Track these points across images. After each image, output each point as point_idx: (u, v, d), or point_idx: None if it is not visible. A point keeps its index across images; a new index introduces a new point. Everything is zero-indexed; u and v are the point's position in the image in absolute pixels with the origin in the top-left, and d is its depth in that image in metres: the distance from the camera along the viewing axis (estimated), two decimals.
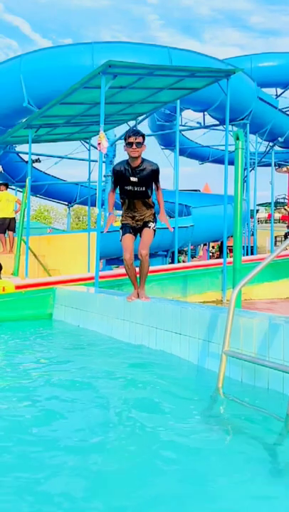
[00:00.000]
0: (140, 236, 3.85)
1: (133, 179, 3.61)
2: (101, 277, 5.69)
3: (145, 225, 3.82)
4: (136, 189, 3.64)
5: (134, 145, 3.51)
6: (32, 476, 1.55)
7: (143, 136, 3.58)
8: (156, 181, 3.70)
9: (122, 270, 6.14)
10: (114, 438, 1.89)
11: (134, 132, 3.56)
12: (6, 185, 9.82)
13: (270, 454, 1.78)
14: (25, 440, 1.87)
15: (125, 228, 3.85)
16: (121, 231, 3.87)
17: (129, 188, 3.65)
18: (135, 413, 2.17)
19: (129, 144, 3.53)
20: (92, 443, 1.84)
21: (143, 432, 1.94)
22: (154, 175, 3.63)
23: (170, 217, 13.35)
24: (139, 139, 3.52)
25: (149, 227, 3.81)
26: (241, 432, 2.00)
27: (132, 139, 3.51)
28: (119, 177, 3.65)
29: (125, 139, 3.55)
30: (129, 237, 3.82)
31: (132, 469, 1.63)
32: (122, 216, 3.89)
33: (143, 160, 3.64)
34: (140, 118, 9.41)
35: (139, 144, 3.53)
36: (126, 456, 1.74)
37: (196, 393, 2.55)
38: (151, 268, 7.44)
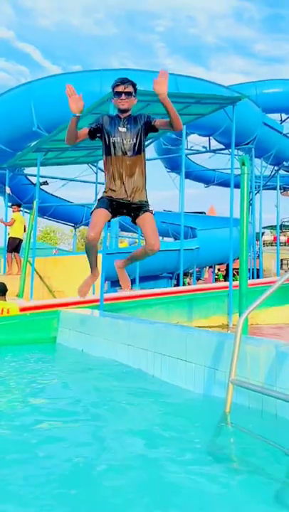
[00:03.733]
0: (140, 225, 3.07)
1: (122, 129, 3.00)
2: (106, 300, 5.66)
3: (142, 209, 3.04)
4: (125, 141, 2.98)
5: (122, 95, 2.96)
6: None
7: (133, 85, 2.99)
8: (152, 122, 3.01)
9: (127, 293, 6.11)
10: (111, 468, 1.83)
11: (123, 80, 2.98)
12: (19, 206, 10.01)
13: (276, 489, 1.71)
14: (17, 465, 1.81)
15: (103, 201, 3.03)
16: (96, 203, 3.08)
17: (118, 139, 2.98)
18: (136, 442, 2.11)
19: (117, 94, 2.98)
20: (89, 473, 1.78)
21: (143, 463, 1.88)
22: (146, 121, 3.01)
23: (175, 239, 13.41)
24: (129, 89, 2.96)
25: (151, 211, 3.06)
26: (247, 466, 1.92)
27: (120, 88, 2.96)
28: (106, 123, 3.02)
29: (113, 89, 3.01)
30: (102, 213, 3.00)
31: (131, 501, 1.57)
32: (105, 189, 3.08)
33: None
34: (147, 142, 9.57)
35: (129, 95, 2.97)
36: (124, 486, 1.67)
37: (201, 422, 2.48)
38: (156, 291, 7.43)
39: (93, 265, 3.30)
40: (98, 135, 3.07)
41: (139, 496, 1.62)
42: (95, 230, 2.97)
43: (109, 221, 3.17)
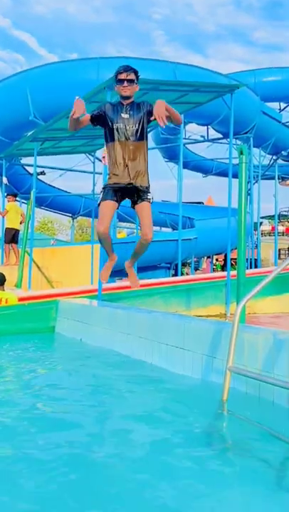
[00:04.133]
0: (137, 213, 3.15)
1: (124, 115, 3.07)
2: (104, 290, 5.67)
3: (141, 197, 3.11)
4: (128, 127, 3.05)
5: (125, 82, 3.04)
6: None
7: (136, 72, 3.07)
8: (151, 111, 3.04)
9: (125, 283, 6.12)
10: (111, 453, 1.86)
11: (126, 68, 3.06)
12: (15, 196, 9.93)
13: (272, 473, 1.74)
14: (17, 453, 1.84)
15: (108, 192, 3.10)
16: (101, 194, 3.14)
17: (120, 125, 3.05)
18: (136, 427, 2.14)
19: (119, 82, 3.06)
20: (90, 458, 1.81)
21: (142, 447, 1.91)
22: (148, 110, 3.07)
23: (173, 229, 13.39)
24: (131, 76, 3.04)
25: (148, 199, 3.13)
26: (244, 451, 1.95)
27: (122, 76, 3.04)
28: (108, 110, 3.09)
29: (116, 77, 3.08)
30: (109, 205, 3.09)
31: (130, 483, 1.60)
32: (108, 174, 3.16)
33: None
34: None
35: (131, 82, 3.05)
36: (123, 470, 1.70)
37: (199, 408, 2.51)
38: (154, 281, 7.44)
39: (109, 252, 3.41)
40: (100, 122, 3.12)
41: (139, 479, 1.65)
42: (104, 223, 3.08)
43: (117, 209, 3.25)
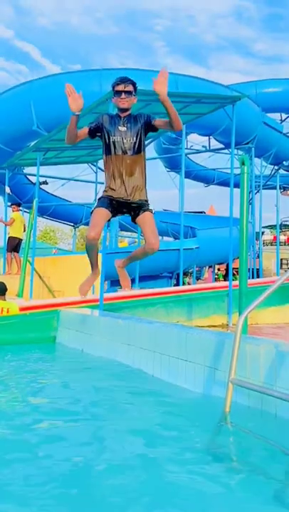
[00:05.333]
0: (140, 225, 3.07)
1: (122, 128, 3.00)
2: (105, 299, 5.65)
3: (142, 208, 3.04)
4: (125, 140, 2.98)
5: (122, 94, 2.97)
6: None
7: (133, 84, 3.00)
8: (152, 122, 3.01)
9: (127, 293, 6.11)
10: (110, 467, 1.83)
11: (123, 79, 2.99)
12: (19, 205, 10.00)
13: (275, 487, 1.70)
14: (17, 465, 1.81)
15: (103, 201, 3.03)
16: (96, 202, 3.08)
17: (118, 138, 2.98)
18: (136, 441, 2.11)
19: (117, 93, 2.99)
20: (89, 473, 1.78)
21: (142, 460, 1.88)
22: (146, 121, 3.02)
23: (175, 238, 13.40)
24: (129, 88, 2.97)
25: (150, 210, 3.06)
26: (247, 465, 1.92)
27: (120, 87, 2.97)
28: (106, 122, 3.02)
29: (113, 88, 3.01)
30: (103, 212, 3.00)
31: (130, 497, 1.57)
32: (105, 188, 3.08)
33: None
34: (147, 141, 9.59)
35: (129, 94, 2.98)
36: (123, 485, 1.67)
37: (201, 421, 2.48)
38: (156, 290, 7.42)
39: (94, 264, 3.32)
40: (98, 134, 3.07)
41: (139, 495, 1.62)
42: (95, 229, 2.98)
43: (109, 220, 3.17)
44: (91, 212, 3.06)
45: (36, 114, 10.08)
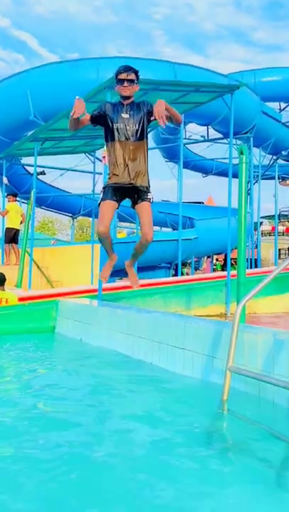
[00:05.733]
0: (138, 213, 3.15)
1: (125, 115, 3.07)
2: (104, 289, 5.67)
3: (141, 197, 3.11)
4: (128, 127, 3.06)
5: (125, 82, 3.04)
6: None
7: (136, 73, 3.08)
8: (153, 115, 3.04)
9: (125, 283, 6.13)
10: (111, 452, 1.86)
11: (126, 68, 3.07)
12: (15, 196, 9.94)
13: (272, 473, 1.74)
14: (17, 453, 1.84)
15: (108, 192, 3.09)
16: (101, 194, 3.13)
17: (121, 125, 3.05)
18: (136, 427, 2.14)
19: (120, 82, 3.06)
20: (90, 457, 1.81)
21: (142, 447, 1.91)
22: (148, 110, 3.08)
23: (173, 229, 13.39)
24: (132, 76, 3.05)
25: (148, 199, 3.12)
26: (244, 451, 1.96)
27: (123, 75, 3.05)
28: (108, 110, 3.09)
29: (116, 76, 3.08)
30: (110, 205, 3.09)
31: (130, 483, 1.60)
32: (108, 175, 3.15)
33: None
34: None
35: (132, 82, 3.06)
36: (124, 470, 1.70)
37: (199, 408, 2.51)
38: (154, 281, 7.45)
39: (109, 251, 3.41)
40: (100, 122, 3.13)
41: (139, 479, 1.65)
42: (103, 223, 3.08)
43: (117, 208, 3.25)
44: (98, 205, 3.13)
45: (33, 103, 9.98)
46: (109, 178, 3.13)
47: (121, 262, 3.61)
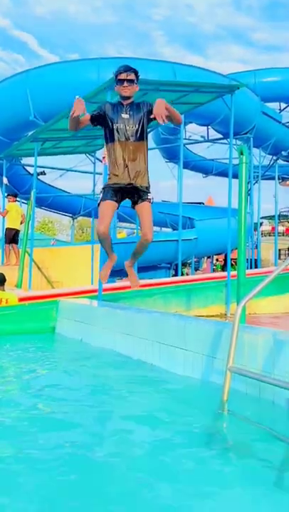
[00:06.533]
0: (138, 213, 3.16)
1: (124, 115, 3.07)
2: (104, 290, 5.67)
3: (142, 197, 3.10)
4: (128, 127, 3.06)
5: (125, 82, 3.04)
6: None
7: (136, 73, 3.08)
8: (153, 115, 3.01)
9: (125, 283, 6.13)
10: (111, 453, 1.86)
11: (126, 68, 3.06)
12: (15, 196, 9.94)
13: (272, 473, 1.74)
14: (17, 453, 1.84)
15: (108, 192, 3.09)
16: (101, 194, 3.14)
17: (121, 126, 3.05)
18: (136, 428, 2.14)
19: (119, 82, 3.06)
20: (90, 458, 1.81)
21: (142, 447, 1.91)
22: (148, 110, 3.06)
23: (174, 229, 13.39)
24: (131, 76, 3.05)
25: (149, 199, 3.12)
26: (244, 452, 1.96)
27: (122, 76, 3.04)
28: (108, 110, 3.09)
29: (116, 77, 3.08)
30: (109, 205, 3.08)
31: (130, 483, 1.60)
32: (108, 175, 3.15)
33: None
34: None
35: (132, 82, 3.06)
36: (124, 470, 1.70)
37: (200, 409, 2.51)
38: (154, 281, 7.45)
39: (109, 252, 3.40)
40: (100, 122, 3.12)
41: (139, 479, 1.65)
42: (103, 223, 3.07)
43: (117, 209, 3.24)
44: (98, 205, 3.12)
45: (33, 103, 9.98)
46: (109, 179, 3.14)
47: (121, 262, 3.60)
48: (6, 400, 2.59)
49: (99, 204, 3.13)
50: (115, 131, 3.07)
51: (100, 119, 3.11)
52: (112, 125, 3.07)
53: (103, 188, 3.18)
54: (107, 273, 3.49)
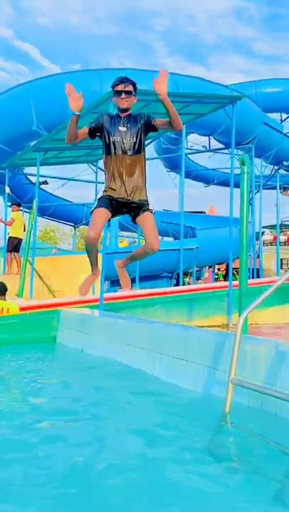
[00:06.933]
0: (140, 225, 3.09)
1: (122, 128, 3.01)
2: (105, 299, 5.66)
3: (142, 208, 3.04)
4: (125, 140, 3.00)
5: (122, 94, 2.98)
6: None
7: (133, 84, 3.02)
8: (152, 122, 3.02)
9: (127, 293, 6.11)
10: (110, 466, 1.83)
11: (123, 79, 3.00)
12: (19, 205, 10.01)
13: (275, 487, 1.71)
14: (17, 465, 1.81)
15: (103, 201, 3.03)
16: (96, 203, 3.08)
17: (118, 138, 2.99)
18: (136, 441, 2.11)
19: (117, 93, 3.00)
20: (89, 472, 1.78)
21: (143, 460, 1.88)
22: (146, 121, 3.02)
23: (175, 238, 13.40)
24: (129, 88, 2.98)
25: (150, 210, 3.06)
26: (246, 465, 1.93)
27: (120, 87, 2.98)
28: (106, 122, 3.03)
29: (113, 88, 3.02)
30: (103, 213, 3.00)
31: (130, 497, 1.57)
32: (105, 188, 3.08)
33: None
34: (147, 142, 9.60)
35: (129, 94, 2.99)
36: (123, 485, 1.68)
37: (201, 421, 2.48)
38: (156, 290, 7.43)
39: (94, 264, 3.32)
40: (98, 134, 3.08)
41: (139, 495, 1.62)
42: (94, 229, 2.98)
43: (109, 220, 3.18)
44: (91, 212, 3.05)
45: (36, 114, 10.09)
46: (105, 191, 3.06)
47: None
48: (6, 411, 2.57)
49: (92, 212, 3.05)
50: (111, 145, 3.01)
51: (97, 132, 3.06)
52: (109, 138, 3.01)
53: (98, 199, 3.12)
54: (88, 288, 3.37)
